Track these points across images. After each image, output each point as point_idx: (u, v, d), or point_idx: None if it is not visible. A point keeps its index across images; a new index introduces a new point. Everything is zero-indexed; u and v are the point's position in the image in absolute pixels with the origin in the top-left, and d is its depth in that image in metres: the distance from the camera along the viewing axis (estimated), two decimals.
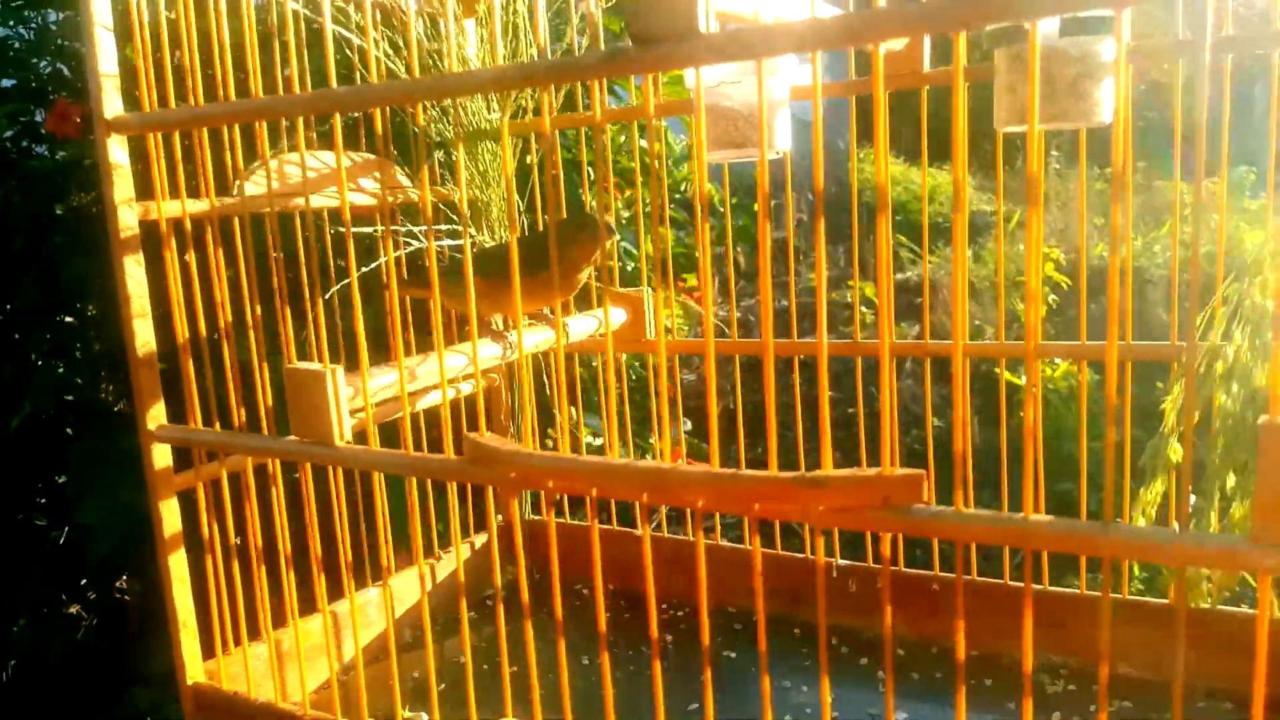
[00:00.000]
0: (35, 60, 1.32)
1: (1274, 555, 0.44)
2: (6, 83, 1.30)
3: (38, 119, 1.29)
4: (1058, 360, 1.71)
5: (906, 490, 0.52)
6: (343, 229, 0.72)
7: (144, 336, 0.81)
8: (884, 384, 0.53)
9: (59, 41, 1.33)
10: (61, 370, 1.32)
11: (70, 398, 1.33)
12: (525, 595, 0.69)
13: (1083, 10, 0.44)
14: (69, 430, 1.33)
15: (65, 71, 1.34)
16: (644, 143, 1.63)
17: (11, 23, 1.33)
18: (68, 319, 1.30)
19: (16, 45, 1.32)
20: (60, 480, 1.34)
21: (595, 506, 0.61)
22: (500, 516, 1.21)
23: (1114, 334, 0.46)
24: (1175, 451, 0.80)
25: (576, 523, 1.22)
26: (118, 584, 1.40)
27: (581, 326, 1.03)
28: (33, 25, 1.34)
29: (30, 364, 1.28)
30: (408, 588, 1.09)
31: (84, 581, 1.39)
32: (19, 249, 1.21)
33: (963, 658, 0.52)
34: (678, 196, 1.86)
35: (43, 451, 1.31)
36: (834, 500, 0.52)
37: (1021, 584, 0.64)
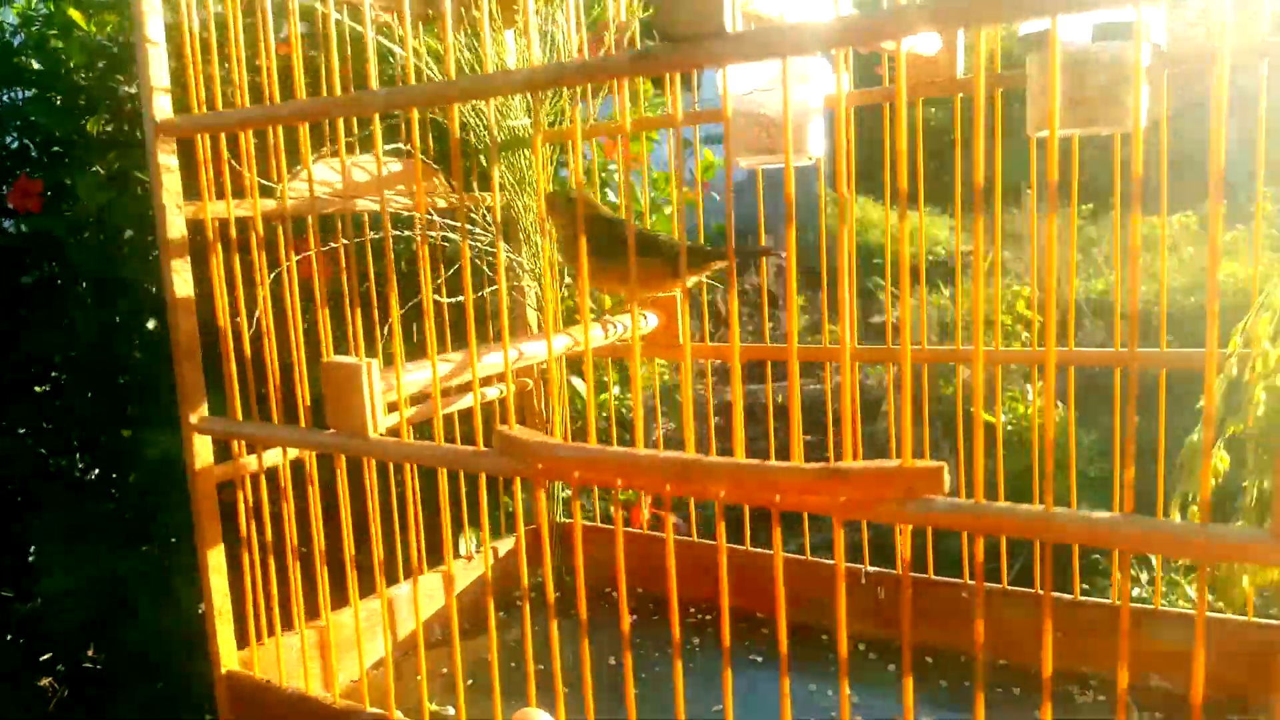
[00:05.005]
0: None
1: None
2: None
3: (2, 193, 1.31)
4: (1030, 394, 1.67)
5: (928, 482, 0.52)
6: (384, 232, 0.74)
7: (188, 332, 0.84)
8: (905, 382, 0.54)
9: (22, 119, 1.35)
10: (30, 440, 1.31)
11: (34, 468, 1.32)
12: (550, 594, 0.70)
13: (1103, 8, 0.45)
14: (28, 499, 1.32)
15: (30, 148, 1.36)
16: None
17: None
18: (37, 388, 1.30)
19: None
20: (30, 550, 1.33)
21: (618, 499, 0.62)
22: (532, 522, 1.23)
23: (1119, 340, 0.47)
24: (1217, 455, 0.80)
25: (605, 526, 1.23)
26: (88, 654, 1.38)
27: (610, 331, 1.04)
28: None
29: None
30: (438, 585, 1.11)
31: (49, 655, 1.36)
32: None
33: (980, 655, 0.52)
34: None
35: (4, 523, 1.29)
36: (856, 492, 0.53)
37: (1057, 593, 0.65)
